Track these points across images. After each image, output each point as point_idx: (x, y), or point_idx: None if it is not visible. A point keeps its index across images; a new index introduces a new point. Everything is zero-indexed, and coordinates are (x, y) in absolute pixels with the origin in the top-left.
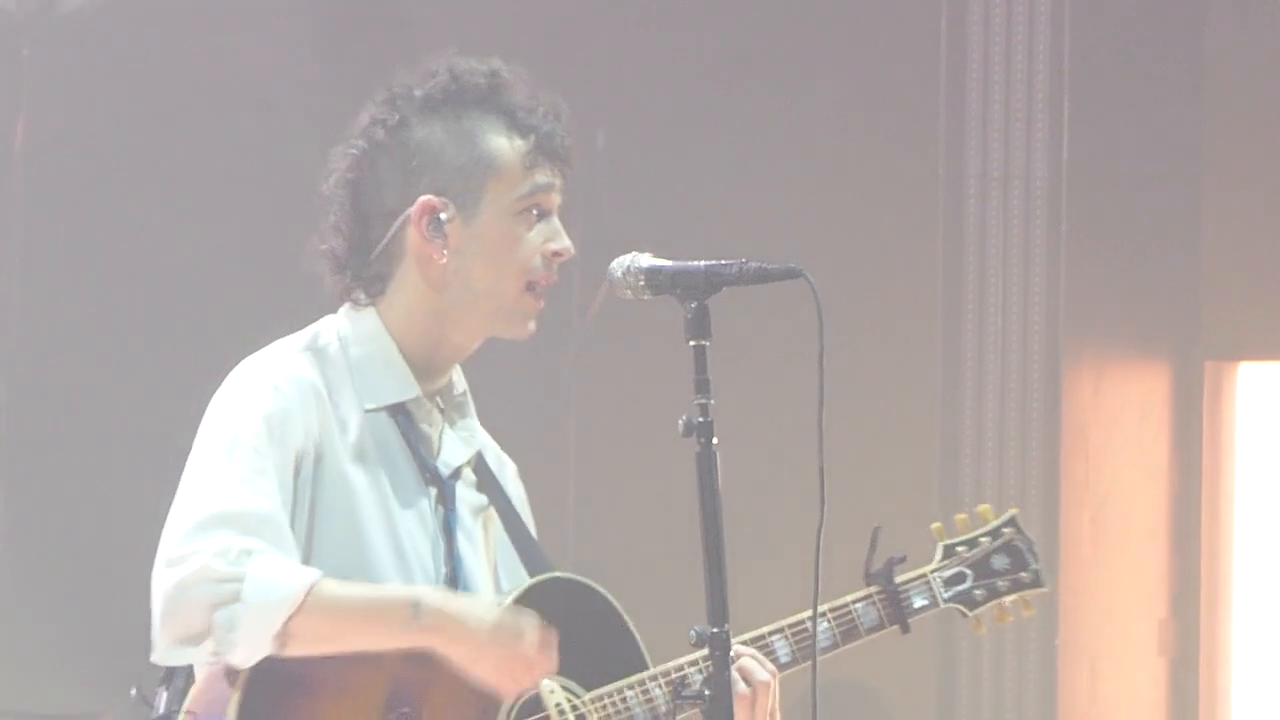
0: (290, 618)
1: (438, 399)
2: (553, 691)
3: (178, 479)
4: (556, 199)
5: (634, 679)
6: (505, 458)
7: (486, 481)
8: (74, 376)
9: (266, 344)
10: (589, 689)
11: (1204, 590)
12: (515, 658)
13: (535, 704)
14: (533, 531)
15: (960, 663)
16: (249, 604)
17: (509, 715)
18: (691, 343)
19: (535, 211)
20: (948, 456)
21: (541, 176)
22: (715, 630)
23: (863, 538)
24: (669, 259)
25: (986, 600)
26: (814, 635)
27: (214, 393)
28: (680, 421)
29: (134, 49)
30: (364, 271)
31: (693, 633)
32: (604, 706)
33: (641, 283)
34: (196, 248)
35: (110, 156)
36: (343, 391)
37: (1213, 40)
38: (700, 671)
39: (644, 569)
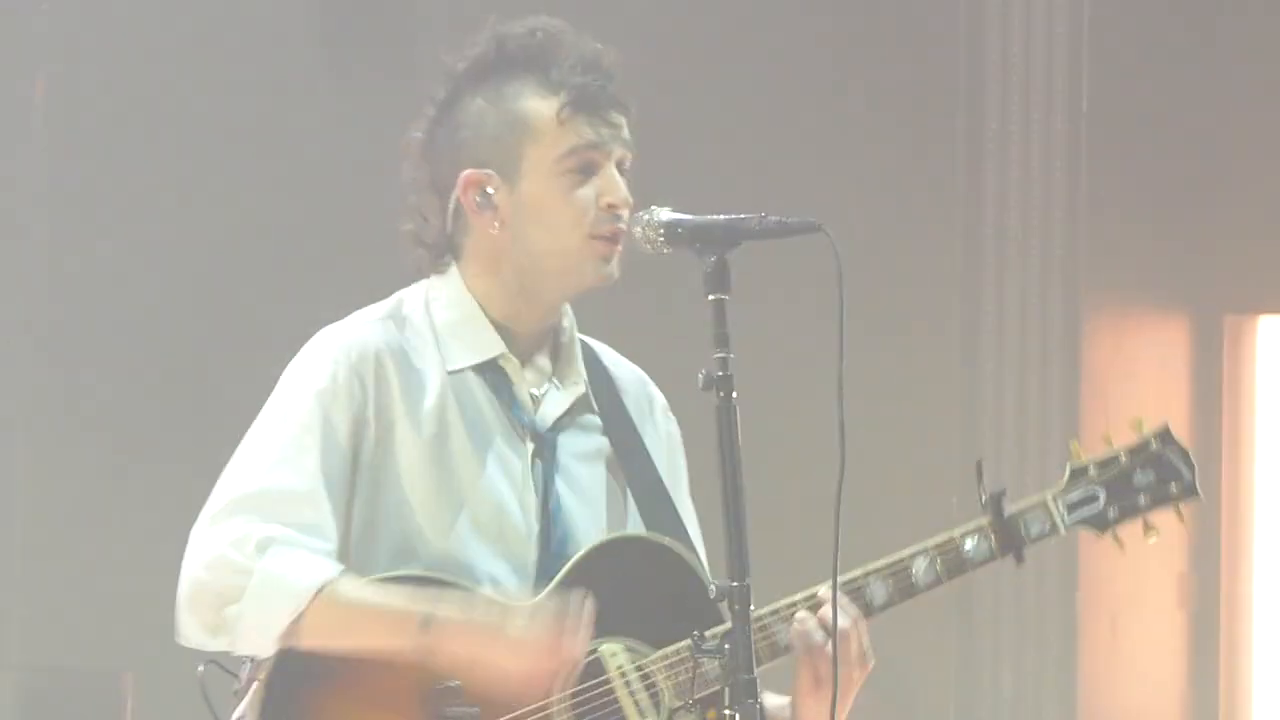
0: (296, 619)
1: (536, 356)
2: (614, 654)
3: (202, 431)
4: (610, 151)
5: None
6: (654, 394)
7: (615, 424)
8: (98, 328)
9: (295, 295)
10: (659, 649)
11: (1224, 543)
12: (528, 646)
13: (597, 667)
14: (674, 471)
15: (981, 616)
16: (253, 603)
17: (569, 682)
18: (711, 297)
19: (582, 169)
20: (967, 413)
21: (582, 133)
22: (735, 584)
23: (882, 494)
24: (687, 213)
25: (1122, 518)
26: (834, 606)
27: (236, 348)
28: (700, 375)
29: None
30: (438, 246)
31: (712, 587)
32: (671, 665)
33: (660, 236)
34: (218, 203)
35: (131, 111)
36: (425, 355)
37: None
38: (782, 620)
39: None
